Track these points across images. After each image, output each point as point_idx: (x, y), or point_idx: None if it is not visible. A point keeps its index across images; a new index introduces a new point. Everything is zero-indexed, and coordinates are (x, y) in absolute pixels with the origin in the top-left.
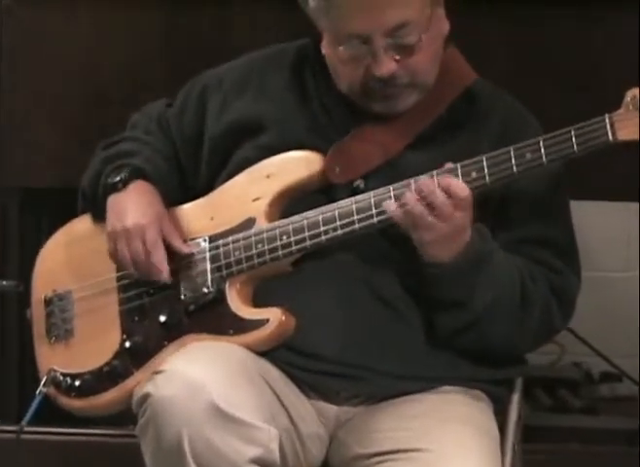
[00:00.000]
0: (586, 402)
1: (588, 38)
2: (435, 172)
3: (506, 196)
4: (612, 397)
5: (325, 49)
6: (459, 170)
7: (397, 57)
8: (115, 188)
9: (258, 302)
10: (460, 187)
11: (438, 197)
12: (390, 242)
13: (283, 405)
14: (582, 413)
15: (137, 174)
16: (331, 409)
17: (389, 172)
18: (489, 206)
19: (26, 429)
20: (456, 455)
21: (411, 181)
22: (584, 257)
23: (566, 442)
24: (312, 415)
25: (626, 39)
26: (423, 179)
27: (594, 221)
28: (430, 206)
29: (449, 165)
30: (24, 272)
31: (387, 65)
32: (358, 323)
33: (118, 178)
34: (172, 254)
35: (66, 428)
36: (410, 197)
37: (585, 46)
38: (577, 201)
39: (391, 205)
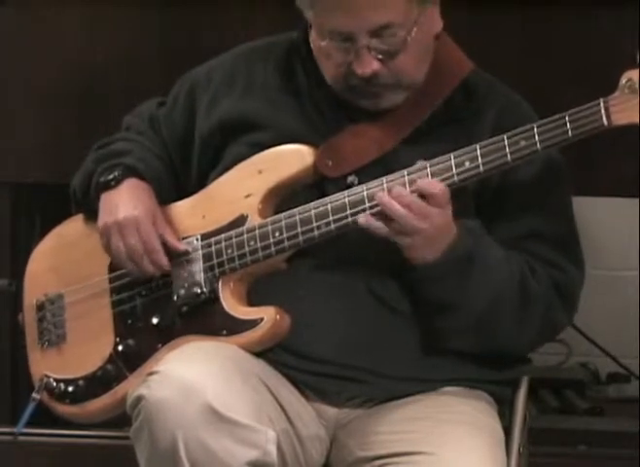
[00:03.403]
0: (592, 403)
1: (590, 37)
2: (406, 171)
3: (502, 190)
4: (619, 398)
5: (312, 40)
6: (428, 169)
7: (380, 57)
8: (107, 186)
9: (254, 301)
10: (431, 185)
11: (413, 201)
12: (388, 240)
13: (281, 406)
14: (588, 415)
15: (130, 172)
16: (331, 410)
17: (383, 168)
18: (483, 199)
19: (21, 430)
20: (459, 458)
21: (405, 172)
22: (595, 255)
23: (573, 444)
24: (312, 417)
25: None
26: (397, 186)
27: (607, 219)
28: (408, 209)
29: (421, 163)
30: (17, 271)
31: (369, 64)
32: (357, 324)
33: (111, 176)
34: (165, 253)
35: (61, 430)
36: (388, 202)
37: (588, 44)
38: (590, 199)
39: (367, 217)
